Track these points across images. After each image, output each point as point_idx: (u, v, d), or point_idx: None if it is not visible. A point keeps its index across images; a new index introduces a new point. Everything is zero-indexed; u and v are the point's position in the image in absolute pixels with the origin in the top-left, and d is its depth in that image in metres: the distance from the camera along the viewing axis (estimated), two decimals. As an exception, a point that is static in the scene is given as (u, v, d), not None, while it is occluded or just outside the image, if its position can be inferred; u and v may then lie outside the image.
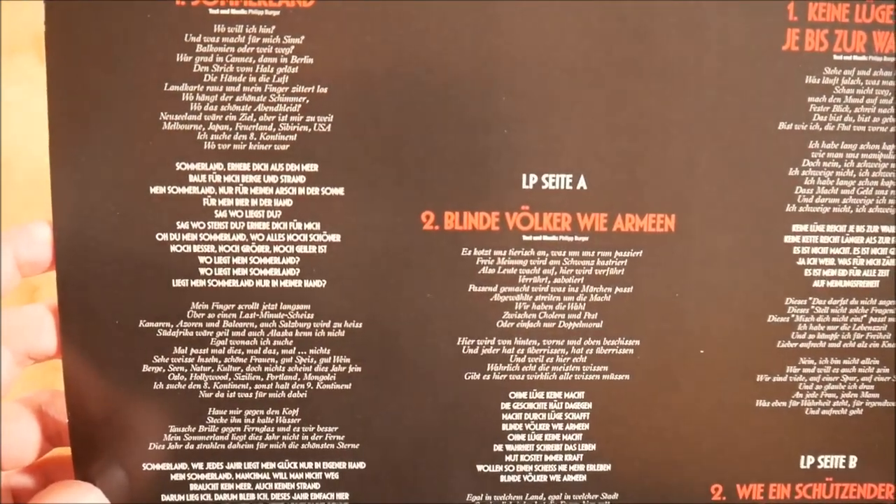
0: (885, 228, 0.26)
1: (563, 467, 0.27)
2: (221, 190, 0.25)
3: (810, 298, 0.26)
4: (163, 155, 0.24)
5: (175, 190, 0.25)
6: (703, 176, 0.25)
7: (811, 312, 0.27)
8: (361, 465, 0.26)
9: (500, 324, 0.26)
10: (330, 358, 0.26)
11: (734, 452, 0.27)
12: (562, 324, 0.26)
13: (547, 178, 0.25)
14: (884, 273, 0.26)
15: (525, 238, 0.25)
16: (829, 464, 0.27)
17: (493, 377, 0.26)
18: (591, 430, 0.27)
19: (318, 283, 0.25)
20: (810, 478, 0.28)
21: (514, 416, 0.27)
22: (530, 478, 0.27)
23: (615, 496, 0.27)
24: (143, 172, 0.24)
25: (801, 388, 0.27)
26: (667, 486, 0.27)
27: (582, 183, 0.25)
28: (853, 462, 0.28)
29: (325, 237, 0.25)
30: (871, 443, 0.27)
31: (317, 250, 0.25)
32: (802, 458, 0.27)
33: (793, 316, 0.26)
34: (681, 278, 0.26)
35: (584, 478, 0.27)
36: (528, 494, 0.27)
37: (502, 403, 0.26)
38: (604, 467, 0.27)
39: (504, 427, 0.27)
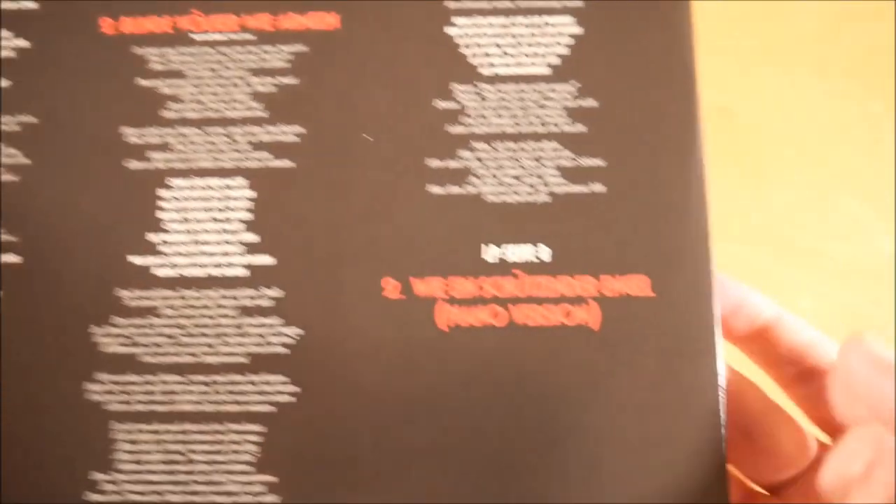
0: (550, 19, 0.26)
1: (223, 259, 0.25)
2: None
3: (476, 83, 0.26)
4: None
5: None
6: None
7: (480, 97, 0.26)
8: (18, 259, 0.26)
9: (164, 113, 0.26)
10: None
11: (408, 244, 0.25)
12: (226, 112, 0.26)
13: None
14: (555, 61, 0.26)
15: (193, 37, 0.27)
16: (515, 255, 0.25)
17: (155, 165, 0.26)
18: (256, 220, 0.25)
19: None
20: (497, 271, 0.25)
21: (172, 205, 0.26)
22: (188, 271, 0.25)
23: (281, 294, 0.25)
24: None
25: (476, 172, 0.25)
26: (335, 282, 0.25)
27: None
28: (545, 254, 0.25)
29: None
30: (564, 232, 0.25)
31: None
32: (483, 246, 0.25)
33: (461, 101, 0.26)
34: (346, 71, 0.26)
35: (246, 272, 0.25)
36: (180, 289, 0.25)
37: (160, 190, 0.26)
38: (268, 260, 0.25)
39: (160, 214, 0.26)
